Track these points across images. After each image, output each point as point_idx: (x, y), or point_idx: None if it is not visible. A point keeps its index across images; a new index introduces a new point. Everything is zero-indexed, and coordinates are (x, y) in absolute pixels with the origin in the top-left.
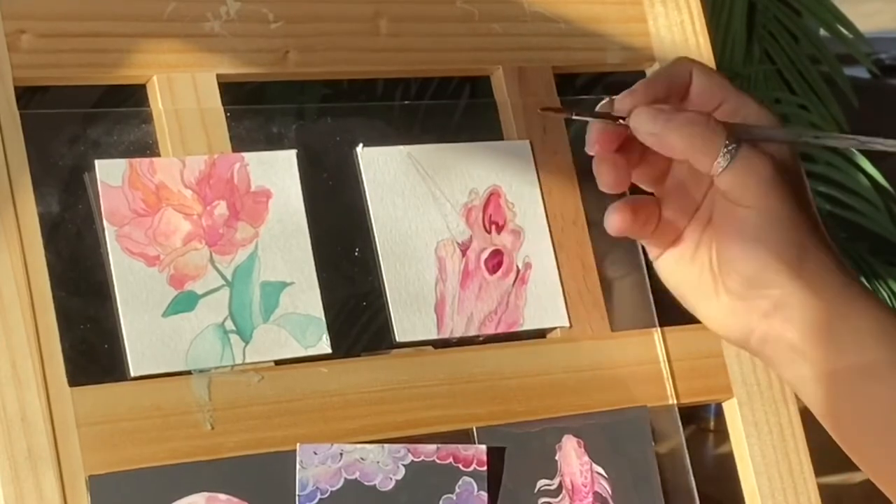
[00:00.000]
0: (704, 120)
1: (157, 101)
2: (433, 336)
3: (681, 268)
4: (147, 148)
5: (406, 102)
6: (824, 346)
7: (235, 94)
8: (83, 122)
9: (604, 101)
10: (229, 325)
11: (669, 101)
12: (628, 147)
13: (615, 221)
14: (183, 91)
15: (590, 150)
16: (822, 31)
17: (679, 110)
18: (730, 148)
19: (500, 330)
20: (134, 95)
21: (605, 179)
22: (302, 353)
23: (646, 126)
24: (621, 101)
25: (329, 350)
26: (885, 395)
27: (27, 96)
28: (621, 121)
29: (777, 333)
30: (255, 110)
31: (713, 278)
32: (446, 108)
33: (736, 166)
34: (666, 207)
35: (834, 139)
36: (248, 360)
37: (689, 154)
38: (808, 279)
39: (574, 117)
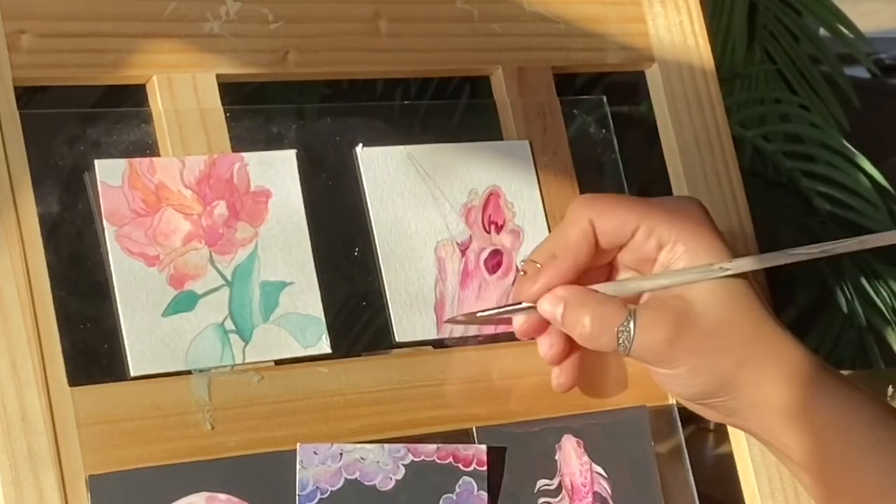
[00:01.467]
0: (590, 312)
1: (157, 102)
2: (433, 336)
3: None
4: (147, 148)
5: (406, 102)
6: (787, 434)
7: (235, 94)
8: (83, 122)
9: (519, 274)
10: (229, 324)
11: (579, 268)
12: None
13: (564, 385)
14: (183, 91)
15: (519, 336)
16: (823, 31)
17: (575, 297)
18: (626, 326)
19: (500, 330)
20: (134, 95)
21: (544, 357)
22: (301, 352)
23: (547, 314)
24: (525, 286)
25: (329, 350)
26: (871, 462)
27: (27, 96)
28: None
29: (742, 427)
30: (254, 110)
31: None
32: (446, 108)
33: (636, 345)
34: None
35: (756, 260)
36: (247, 360)
37: (588, 345)
38: (749, 391)
39: (479, 315)
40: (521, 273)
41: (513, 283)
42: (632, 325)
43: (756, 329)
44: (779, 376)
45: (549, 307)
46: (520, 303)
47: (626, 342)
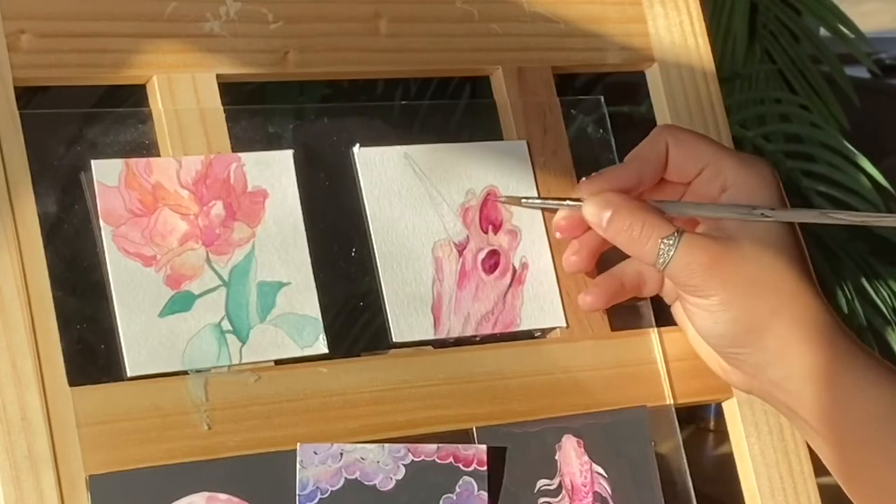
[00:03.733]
0: (641, 220)
1: (157, 102)
2: (430, 336)
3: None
4: (145, 148)
5: (404, 103)
6: (810, 400)
7: (235, 94)
8: (82, 123)
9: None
10: (226, 325)
11: (642, 183)
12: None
13: (588, 304)
14: (183, 91)
15: (555, 233)
16: (823, 31)
17: (626, 203)
18: (670, 242)
19: (497, 330)
20: (134, 95)
21: (566, 264)
22: (298, 353)
23: (591, 218)
24: (585, 185)
25: (326, 350)
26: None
27: (27, 96)
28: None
29: (766, 393)
30: (252, 110)
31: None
32: (445, 109)
33: (676, 260)
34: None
35: (796, 213)
36: (244, 361)
37: (629, 250)
38: (776, 344)
39: (524, 205)
40: (584, 179)
41: (510, 284)
42: (676, 241)
43: (794, 284)
44: (808, 336)
45: (595, 209)
46: (567, 198)
47: (666, 255)
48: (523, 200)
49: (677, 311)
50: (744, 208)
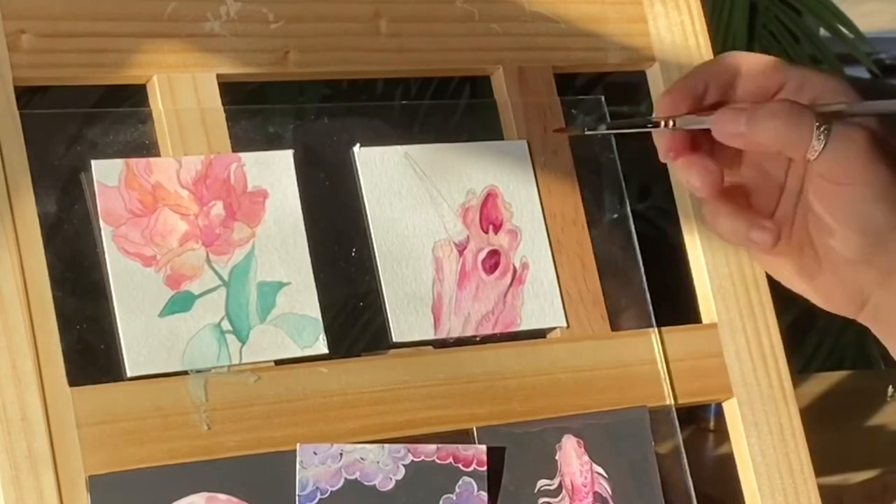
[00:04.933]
0: (787, 108)
1: (157, 102)
2: (430, 336)
3: (780, 250)
4: (145, 148)
5: (404, 102)
6: None
7: (235, 94)
8: (82, 123)
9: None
10: (226, 325)
11: (709, 95)
12: (697, 145)
13: (766, 239)
14: (183, 91)
15: (665, 158)
16: (823, 31)
17: (759, 104)
18: (822, 129)
19: (497, 330)
20: (134, 95)
21: (699, 184)
22: (298, 353)
23: (729, 128)
24: (661, 104)
25: (326, 350)
26: None
27: (27, 96)
28: (665, 125)
29: (892, 303)
30: (252, 110)
31: (815, 255)
32: (445, 109)
33: (832, 148)
34: (749, 193)
35: None
36: (244, 361)
37: (782, 147)
38: None
39: (606, 132)
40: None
41: (510, 284)
42: (828, 128)
43: None
44: None
45: (729, 117)
46: (657, 122)
47: (823, 140)
48: (587, 130)
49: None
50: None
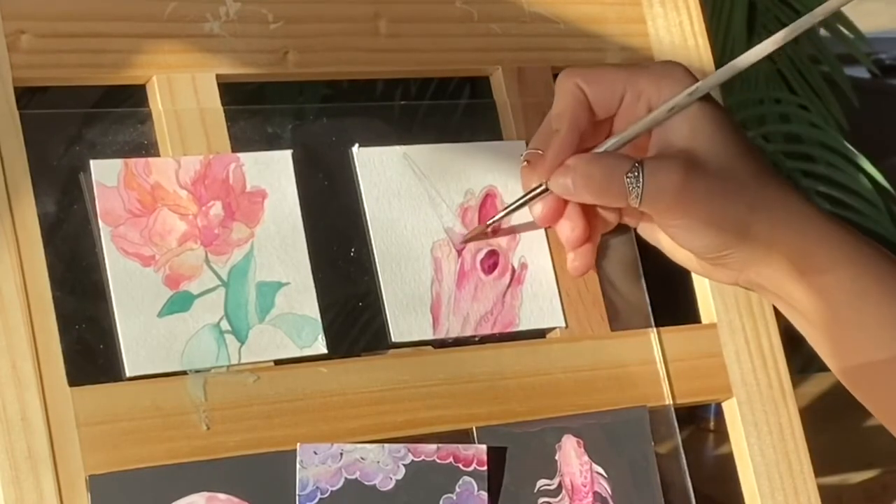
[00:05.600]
0: (599, 166)
1: (157, 102)
2: (429, 336)
3: (653, 238)
4: (145, 148)
5: (403, 103)
6: (802, 286)
7: (235, 94)
8: (82, 123)
9: (522, 165)
10: (225, 325)
11: (583, 135)
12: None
13: (579, 269)
14: (183, 91)
15: (543, 225)
16: (823, 31)
17: (579, 160)
18: (634, 175)
19: (496, 330)
20: (134, 95)
21: (573, 268)
22: (297, 353)
23: (560, 191)
24: (539, 170)
25: (324, 350)
26: (874, 311)
27: (27, 96)
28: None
29: (752, 283)
30: (251, 110)
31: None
32: (445, 109)
33: (646, 192)
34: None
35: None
36: (243, 361)
37: (602, 200)
38: (763, 235)
39: (490, 226)
40: (525, 163)
41: (508, 284)
42: (641, 172)
43: (759, 175)
44: (788, 221)
45: (560, 179)
46: (533, 190)
47: (638, 189)
48: (489, 225)
49: (646, 230)
50: (680, 98)
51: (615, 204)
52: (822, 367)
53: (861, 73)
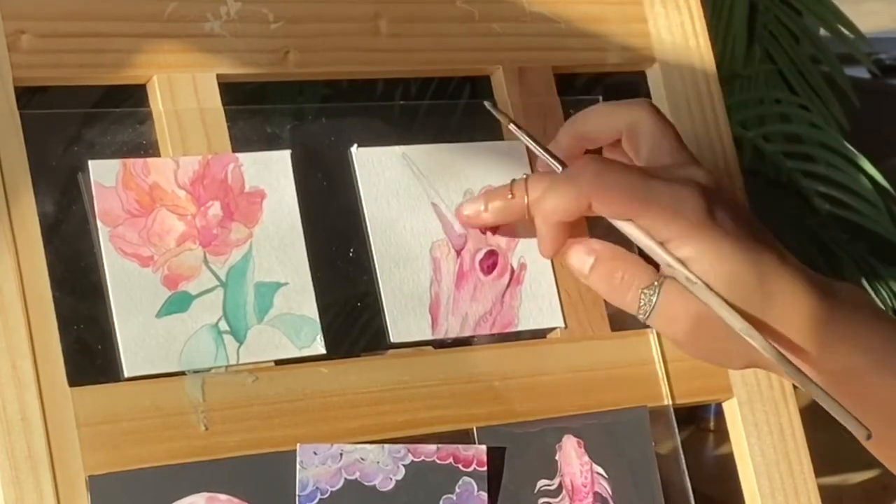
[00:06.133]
0: (622, 268)
1: (157, 102)
2: (427, 337)
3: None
4: (144, 148)
5: (402, 103)
6: (808, 356)
7: (235, 94)
8: (81, 123)
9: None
10: (223, 325)
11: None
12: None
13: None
14: (183, 91)
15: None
16: (823, 31)
17: (608, 250)
18: (650, 292)
19: (495, 331)
20: (134, 95)
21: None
22: (296, 353)
23: (575, 264)
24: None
25: (323, 351)
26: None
27: (27, 96)
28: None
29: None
30: (252, 110)
31: None
32: (444, 109)
33: (657, 314)
34: None
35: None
36: (241, 361)
37: (609, 298)
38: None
39: (511, 129)
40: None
41: (507, 284)
42: (657, 291)
43: (763, 282)
44: (792, 327)
45: (578, 256)
46: (554, 155)
47: (647, 307)
48: (511, 126)
49: None
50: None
51: (620, 306)
52: None
53: (861, 73)
